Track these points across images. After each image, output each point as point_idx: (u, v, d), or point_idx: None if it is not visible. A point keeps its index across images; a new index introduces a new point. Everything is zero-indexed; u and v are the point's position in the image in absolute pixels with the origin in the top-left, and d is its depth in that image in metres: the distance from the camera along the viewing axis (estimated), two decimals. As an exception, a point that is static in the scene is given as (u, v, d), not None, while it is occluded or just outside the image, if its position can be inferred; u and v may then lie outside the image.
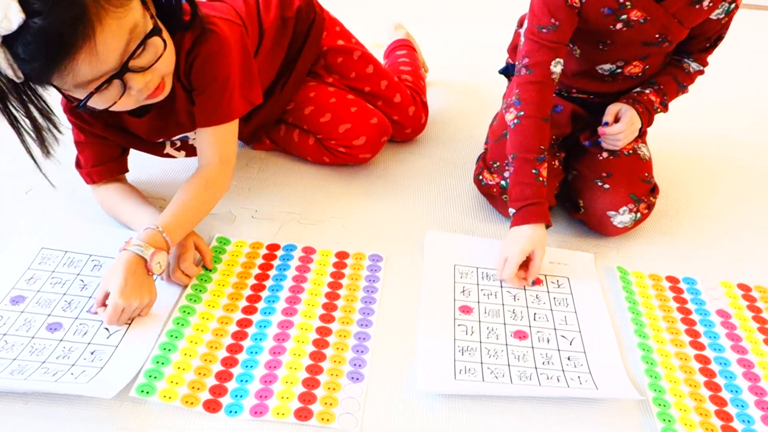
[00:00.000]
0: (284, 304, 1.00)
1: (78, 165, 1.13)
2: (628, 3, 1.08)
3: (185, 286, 1.02)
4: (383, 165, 1.35)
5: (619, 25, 1.11)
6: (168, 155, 1.20)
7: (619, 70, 1.19)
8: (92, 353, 0.90)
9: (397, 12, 2.20)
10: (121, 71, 0.86)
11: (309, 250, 1.11)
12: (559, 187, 1.20)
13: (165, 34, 0.92)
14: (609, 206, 1.12)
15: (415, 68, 1.52)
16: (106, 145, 1.11)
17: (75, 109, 1.04)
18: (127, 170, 1.16)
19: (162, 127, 1.09)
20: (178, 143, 1.19)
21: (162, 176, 1.26)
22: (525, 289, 1.06)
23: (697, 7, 1.10)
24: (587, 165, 1.18)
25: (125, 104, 0.93)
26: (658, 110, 1.19)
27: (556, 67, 1.11)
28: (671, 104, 1.22)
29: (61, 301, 0.98)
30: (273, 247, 1.12)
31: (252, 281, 1.05)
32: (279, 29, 1.22)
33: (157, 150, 1.18)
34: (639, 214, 1.14)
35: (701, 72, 1.21)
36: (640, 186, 1.14)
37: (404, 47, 1.60)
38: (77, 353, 0.90)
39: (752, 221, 1.28)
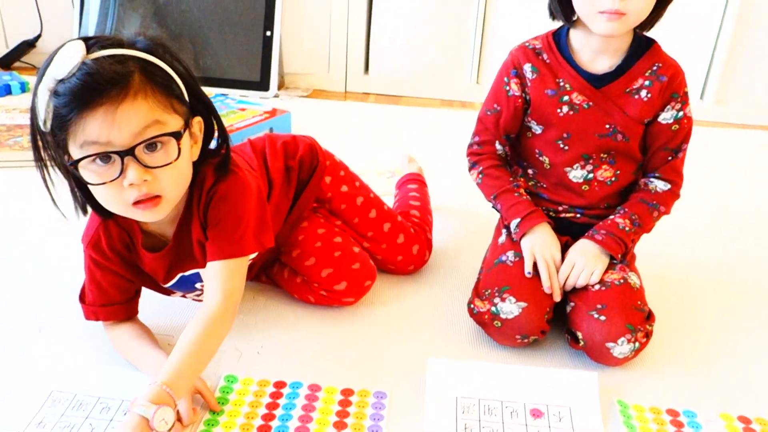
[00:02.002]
0: (290, 446, 1.02)
1: (82, 299, 1.17)
2: (567, 85, 1.22)
3: (194, 429, 1.03)
4: (384, 296, 1.40)
5: (565, 108, 1.22)
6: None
7: (591, 176, 1.27)
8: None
9: (403, 137, 2.32)
10: (126, 151, 0.92)
11: (315, 388, 1.14)
12: (551, 312, 1.23)
13: (185, 156, 0.98)
14: (607, 338, 1.15)
15: (424, 203, 1.59)
16: (119, 286, 1.16)
17: (98, 244, 1.11)
18: (136, 313, 1.20)
19: (176, 261, 1.14)
20: (189, 297, 1.24)
21: (170, 313, 1.30)
22: (527, 426, 1.07)
23: (636, 97, 1.21)
24: (581, 297, 1.22)
25: (112, 195, 0.96)
26: (633, 231, 1.24)
27: (499, 148, 1.33)
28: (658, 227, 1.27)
29: (70, 447, 1.00)
30: (279, 385, 1.14)
31: (259, 422, 1.06)
32: (284, 178, 1.29)
33: (169, 293, 1.23)
34: (638, 344, 1.16)
35: (673, 193, 1.27)
36: (635, 315, 1.18)
37: (416, 181, 1.68)
38: (85, 502, 0.91)
39: (748, 347, 1.30)
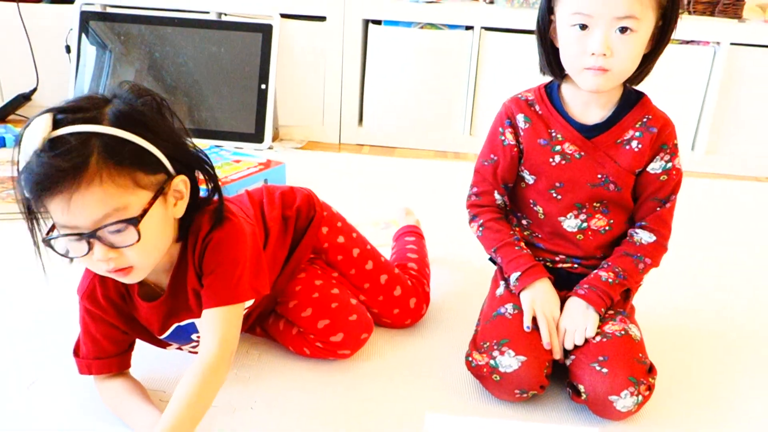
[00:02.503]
0: (283, 505, 0.99)
1: (76, 353, 1.15)
2: (558, 135, 1.24)
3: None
4: (381, 349, 1.38)
5: (557, 158, 1.24)
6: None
7: (585, 225, 1.27)
8: None
9: (398, 188, 2.33)
10: (90, 234, 0.93)
11: (308, 444, 1.11)
12: (550, 366, 1.22)
13: (153, 230, 0.97)
14: (610, 391, 1.13)
15: (421, 256, 1.59)
16: (113, 339, 1.14)
17: (93, 294, 1.10)
18: (128, 367, 1.17)
19: (172, 311, 1.12)
20: (185, 349, 1.22)
21: (164, 367, 1.27)
22: (527, 484, 1.04)
23: (627, 148, 1.23)
24: (582, 350, 1.20)
25: (87, 265, 0.99)
26: (617, 283, 1.24)
27: (499, 198, 1.33)
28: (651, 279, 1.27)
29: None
30: (272, 442, 1.11)
31: (251, 480, 1.03)
32: (281, 228, 1.29)
33: (164, 345, 1.21)
34: (640, 397, 1.14)
35: (659, 244, 1.27)
36: (637, 367, 1.16)
37: (413, 234, 1.68)
38: None
39: (754, 401, 1.28)
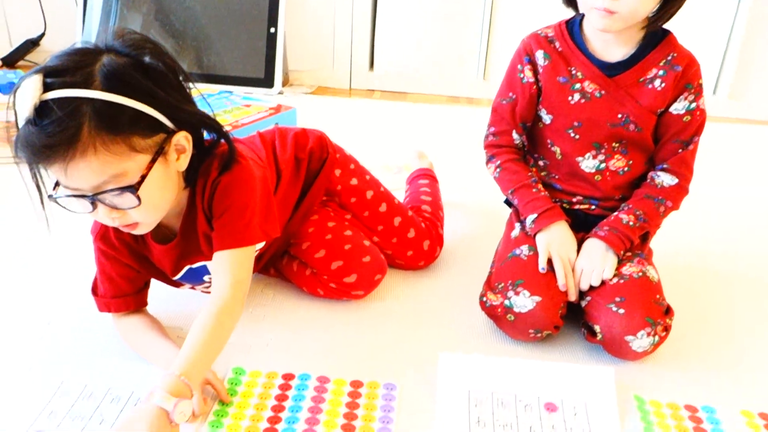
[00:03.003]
0: (300, 438, 1.00)
1: (94, 292, 1.16)
2: (578, 73, 1.21)
3: (204, 420, 1.02)
4: (394, 290, 1.38)
5: (576, 96, 1.21)
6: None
7: (603, 165, 1.25)
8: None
9: (409, 134, 2.30)
10: (92, 196, 0.92)
11: (323, 380, 1.12)
12: (564, 307, 1.21)
13: (154, 189, 0.96)
14: (626, 331, 1.13)
15: (435, 199, 1.57)
16: (129, 278, 1.14)
17: (106, 235, 1.10)
18: (145, 304, 1.18)
19: (184, 254, 1.12)
20: (198, 289, 1.23)
21: (180, 304, 1.28)
22: (541, 420, 1.05)
23: (650, 87, 1.20)
24: (598, 291, 1.20)
25: (98, 220, 1.00)
26: (637, 226, 1.23)
27: (517, 138, 1.31)
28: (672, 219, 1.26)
29: (79, 438, 0.98)
30: (288, 377, 1.12)
31: (269, 413, 1.04)
32: (293, 170, 1.28)
33: (178, 285, 1.22)
34: (657, 337, 1.14)
35: (680, 187, 1.25)
36: (654, 309, 1.16)
37: (426, 177, 1.66)
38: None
39: None
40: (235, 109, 2.29)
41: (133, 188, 0.92)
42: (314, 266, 1.30)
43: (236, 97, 2.42)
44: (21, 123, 0.88)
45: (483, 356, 1.16)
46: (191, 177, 1.06)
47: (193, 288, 1.23)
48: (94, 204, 0.94)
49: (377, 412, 1.06)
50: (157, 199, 0.98)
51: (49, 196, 0.95)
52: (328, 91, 2.81)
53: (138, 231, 1.01)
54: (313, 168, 1.32)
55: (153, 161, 0.94)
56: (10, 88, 2.52)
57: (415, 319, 1.29)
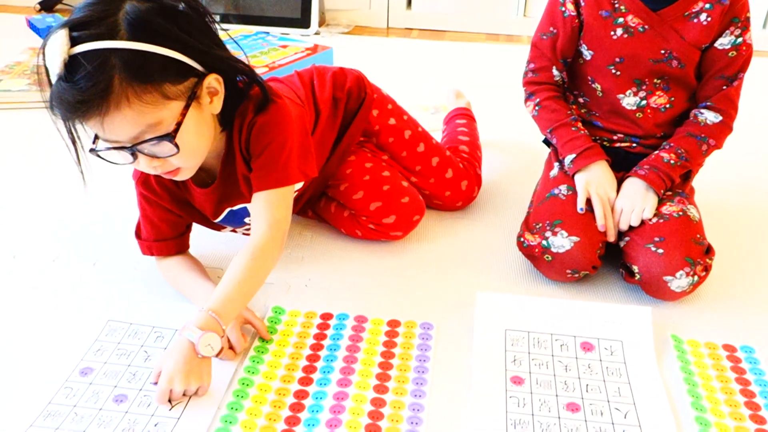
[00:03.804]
0: (339, 375, 1.02)
1: (138, 235, 1.19)
2: (622, 6, 1.18)
3: (244, 357, 1.05)
4: (432, 231, 1.38)
5: (619, 31, 1.19)
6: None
7: (644, 102, 1.22)
8: (155, 425, 0.93)
9: (447, 73, 2.27)
10: (131, 147, 0.93)
11: (361, 319, 1.14)
12: (603, 247, 1.20)
13: (191, 134, 0.96)
14: (665, 271, 1.12)
15: (473, 138, 1.56)
16: (170, 222, 1.17)
17: (147, 180, 1.12)
18: (187, 247, 1.21)
19: (224, 196, 1.14)
20: (239, 231, 1.24)
21: (221, 246, 1.31)
22: (577, 359, 1.05)
23: (695, 21, 1.16)
24: (637, 231, 1.18)
25: (140, 168, 1.00)
26: (679, 165, 1.20)
27: (557, 74, 1.29)
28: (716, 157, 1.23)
29: (126, 373, 1.02)
30: (326, 317, 1.14)
31: (307, 351, 1.07)
32: (331, 109, 1.27)
33: (219, 228, 1.24)
34: (696, 277, 1.13)
35: (724, 125, 1.21)
36: (694, 248, 1.14)
37: (464, 116, 1.64)
38: (141, 425, 0.93)
39: (812, 282, 1.25)
40: (271, 50, 2.27)
41: (171, 136, 0.93)
42: (353, 207, 1.31)
43: (272, 38, 2.40)
44: (53, 79, 0.88)
45: (520, 296, 1.16)
46: (227, 120, 1.06)
47: (234, 231, 1.25)
48: (134, 155, 0.95)
49: (414, 351, 1.07)
50: (194, 145, 0.99)
51: (91, 150, 0.97)
52: (365, 30, 2.76)
53: (180, 177, 1.03)
54: (351, 108, 1.31)
55: (187, 107, 0.94)
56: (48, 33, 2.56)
57: (452, 260, 1.30)
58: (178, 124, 0.94)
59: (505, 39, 2.68)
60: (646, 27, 1.17)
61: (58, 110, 0.90)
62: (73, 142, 0.97)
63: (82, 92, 0.86)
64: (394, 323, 1.13)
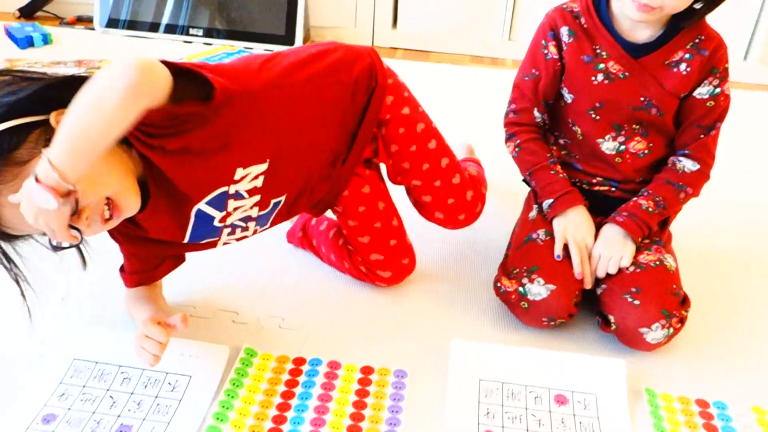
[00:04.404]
0: (310, 426, 1.01)
1: (121, 269, 1.16)
2: (603, 52, 1.18)
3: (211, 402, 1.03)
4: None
5: (600, 77, 1.18)
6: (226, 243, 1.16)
7: (623, 147, 1.22)
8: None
9: (431, 95, 2.25)
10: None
11: (334, 365, 1.12)
12: (579, 295, 1.20)
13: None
14: (641, 323, 1.11)
15: (481, 169, 1.54)
16: (147, 254, 1.13)
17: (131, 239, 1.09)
18: (161, 277, 1.17)
19: (173, 205, 1.01)
20: (238, 230, 1.12)
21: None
22: (550, 412, 1.04)
23: (675, 70, 1.16)
24: (615, 279, 1.17)
25: (95, 231, 0.91)
26: (657, 212, 1.20)
27: (538, 116, 1.27)
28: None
29: (90, 421, 1.00)
30: (299, 362, 1.13)
31: (278, 399, 1.05)
32: (338, 91, 1.13)
33: (208, 246, 1.14)
34: (672, 329, 1.12)
35: (702, 173, 1.21)
36: (670, 300, 1.13)
37: (473, 161, 1.60)
38: (104, 478, 0.91)
39: (786, 333, 1.25)
40: (253, 69, 2.25)
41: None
42: (353, 245, 1.28)
43: (255, 56, 2.38)
44: None
45: (495, 345, 1.15)
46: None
47: (226, 243, 1.15)
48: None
49: (387, 400, 1.06)
50: (90, 176, 0.85)
51: (54, 248, 0.90)
52: (350, 48, 2.74)
53: (126, 208, 0.92)
54: (359, 100, 1.17)
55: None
56: (27, 42, 2.51)
57: (428, 303, 1.29)
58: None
59: (489, 62, 2.67)
60: (627, 74, 1.17)
61: None
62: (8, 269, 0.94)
63: None
64: (367, 370, 1.12)
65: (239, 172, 1.02)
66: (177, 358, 1.09)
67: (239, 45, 2.55)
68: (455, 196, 1.29)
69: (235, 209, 1.07)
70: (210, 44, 2.58)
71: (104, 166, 0.88)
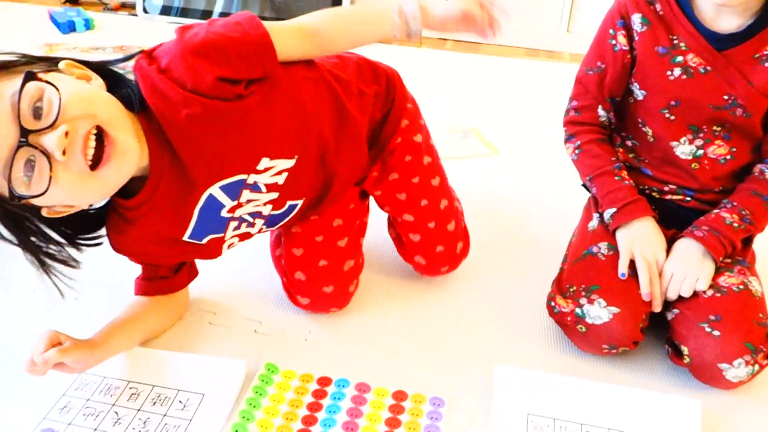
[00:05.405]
0: (331, 460, 0.89)
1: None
2: (682, 43, 1.03)
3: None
4: (449, 285, 1.23)
5: (677, 71, 1.03)
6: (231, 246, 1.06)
7: (701, 152, 1.07)
8: None
9: (482, 90, 2.12)
10: (22, 138, 0.75)
11: (363, 388, 1.00)
12: (647, 319, 1.05)
13: (74, 83, 0.81)
14: (721, 357, 0.96)
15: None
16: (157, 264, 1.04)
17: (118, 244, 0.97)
18: (174, 290, 1.07)
19: (179, 193, 0.91)
20: (244, 225, 1.02)
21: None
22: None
23: (765, 65, 1.01)
24: (690, 304, 1.02)
25: (69, 182, 0.79)
26: (742, 228, 1.04)
27: (603, 114, 1.14)
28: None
29: (91, 439, 0.90)
30: (324, 381, 1.01)
31: (298, 425, 0.94)
32: (357, 98, 1.06)
33: (212, 251, 1.04)
34: (757, 366, 0.97)
35: None
36: (755, 331, 0.98)
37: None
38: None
39: None
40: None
41: (30, 74, 0.77)
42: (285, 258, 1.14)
43: (297, 44, 2.28)
44: None
45: (546, 373, 1.01)
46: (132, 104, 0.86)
47: (230, 246, 1.05)
48: (36, 145, 0.76)
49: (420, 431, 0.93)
50: (87, 94, 0.81)
51: (16, 197, 0.78)
52: (398, 39, 2.61)
53: (120, 151, 0.81)
54: (376, 117, 1.11)
55: (46, 70, 0.81)
56: (69, 27, 2.46)
57: (469, 321, 1.15)
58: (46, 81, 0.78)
59: (545, 55, 2.51)
60: (709, 68, 1.02)
61: None
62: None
63: None
64: (400, 396, 0.99)
65: (264, 162, 0.93)
66: (189, 375, 0.99)
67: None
68: (445, 244, 1.17)
69: (248, 201, 0.97)
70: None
71: (103, 94, 0.83)
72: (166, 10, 2.62)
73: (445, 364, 1.06)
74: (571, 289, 1.06)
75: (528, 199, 1.50)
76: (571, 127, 1.17)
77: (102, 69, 0.88)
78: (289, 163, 0.96)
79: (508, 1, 2.64)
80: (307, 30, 0.95)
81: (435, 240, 1.16)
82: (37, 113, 0.77)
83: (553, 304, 1.08)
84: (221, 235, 1.00)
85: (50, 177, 0.77)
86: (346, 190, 1.12)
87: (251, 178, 0.94)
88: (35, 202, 0.80)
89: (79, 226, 0.93)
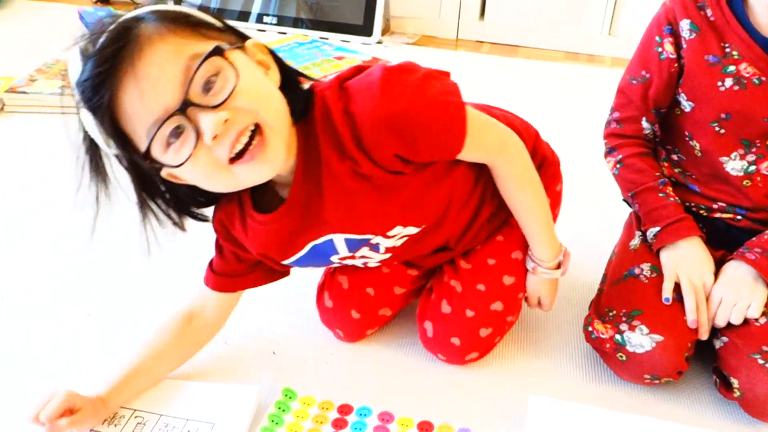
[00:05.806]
0: (349, 497, 0.84)
1: (210, 265, 0.98)
2: (734, 52, 0.96)
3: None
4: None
5: (729, 81, 0.96)
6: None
7: (753, 168, 0.99)
8: None
9: (519, 95, 2.04)
10: (181, 108, 0.72)
11: (386, 417, 0.94)
12: (692, 347, 0.97)
13: (252, 72, 0.77)
14: None
15: None
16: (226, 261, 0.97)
17: (230, 237, 0.93)
18: (245, 288, 0.99)
19: (304, 224, 0.88)
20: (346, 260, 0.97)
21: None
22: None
23: None
24: (741, 332, 0.94)
25: (207, 165, 0.75)
26: None
27: (647, 126, 1.07)
28: None
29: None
30: (345, 410, 0.95)
31: (316, 457, 0.89)
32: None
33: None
34: None
35: None
36: (814, 364, 0.89)
37: None
38: None
39: None
40: (325, 61, 2.11)
41: (218, 48, 0.73)
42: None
43: (329, 47, 2.24)
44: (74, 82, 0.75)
45: (583, 405, 0.94)
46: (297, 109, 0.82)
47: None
48: (189, 118, 0.72)
49: (446, 467, 0.87)
50: (259, 84, 0.77)
51: (146, 158, 0.74)
52: (433, 41, 2.56)
53: (268, 151, 0.76)
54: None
55: (234, 48, 0.77)
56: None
57: (500, 347, 1.08)
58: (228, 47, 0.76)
59: (585, 59, 2.42)
60: (763, 79, 0.94)
61: (87, 103, 0.73)
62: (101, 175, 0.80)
63: (107, 52, 0.71)
64: (425, 426, 0.93)
65: (397, 230, 0.91)
66: (199, 402, 0.94)
67: (314, 34, 2.41)
68: (493, 325, 1.01)
69: (362, 257, 0.95)
70: (284, 33, 2.45)
71: (275, 93, 0.79)
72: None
73: (474, 393, 1.00)
74: (611, 314, 0.99)
75: (564, 212, 1.42)
76: (613, 139, 1.09)
77: (283, 64, 0.84)
78: (414, 230, 0.92)
79: (550, 2, 2.58)
80: (498, 148, 0.93)
81: (480, 318, 1.01)
82: (206, 87, 0.73)
83: (590, 329, 1.01)
84: (318, 267, 1.00)
85: (191, 155, 0.73)
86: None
87: (376, 239, 0.91)
88: (164, 169, 0.77)
89: (192, 198, 0.87)
